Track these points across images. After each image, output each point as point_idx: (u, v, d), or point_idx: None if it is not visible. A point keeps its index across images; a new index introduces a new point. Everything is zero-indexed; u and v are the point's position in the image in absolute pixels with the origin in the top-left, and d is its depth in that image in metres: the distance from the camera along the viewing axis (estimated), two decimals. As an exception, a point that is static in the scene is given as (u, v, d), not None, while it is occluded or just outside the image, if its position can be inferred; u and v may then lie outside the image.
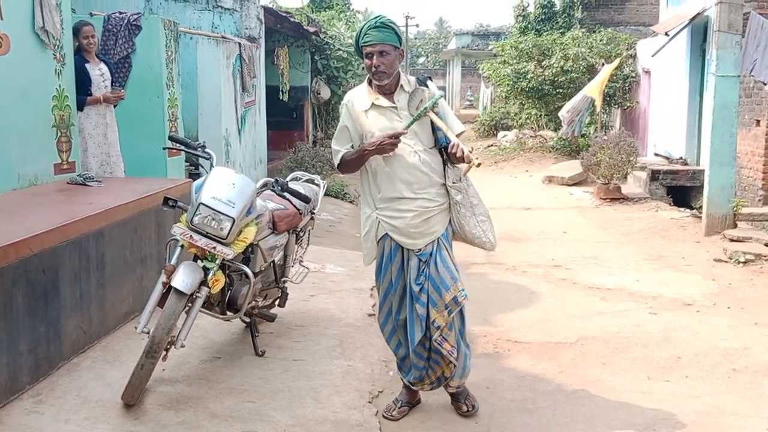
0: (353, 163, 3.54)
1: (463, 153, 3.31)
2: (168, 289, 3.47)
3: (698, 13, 10.88)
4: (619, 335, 4.98)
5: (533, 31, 19.85)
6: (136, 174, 6.54)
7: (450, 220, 3.56)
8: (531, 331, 5.10)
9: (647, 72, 14.80)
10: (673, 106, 12.84)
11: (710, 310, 5.59)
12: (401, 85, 3.51)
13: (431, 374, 3.61)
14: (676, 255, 7.54)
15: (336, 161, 3.61)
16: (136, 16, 6.87)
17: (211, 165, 3.76)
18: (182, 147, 3.87)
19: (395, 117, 3.47)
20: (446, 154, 3.48)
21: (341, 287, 5.91)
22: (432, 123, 3.45)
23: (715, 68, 7.88)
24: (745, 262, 7.06)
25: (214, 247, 3.53)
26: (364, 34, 3.42)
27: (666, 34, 11.53)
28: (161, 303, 3.53)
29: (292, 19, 12.59)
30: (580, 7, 20.13)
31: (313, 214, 4.80)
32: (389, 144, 3.36)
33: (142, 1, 10.20)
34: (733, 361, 4.48)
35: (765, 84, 8.10)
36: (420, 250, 3.49)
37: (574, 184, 13.16)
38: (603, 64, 15.06)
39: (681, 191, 11.42)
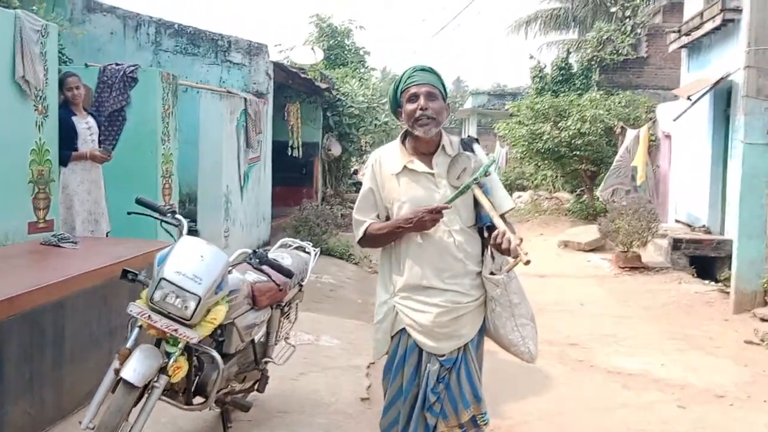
0: (381, 238, 2.90)
1: (509, 245, 2.61)
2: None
3: (722, 78, 10.52)
4: (643, 433, 4.42)
5: (550, 92, 19.63)
6: (126, 234, 6.11)
7: (484, 319, 2.91)
8: (543, 425, 4.53)
9: (668, 136, 14.40)
10: (695, 172, 12.38)
11: (745, 404, 5.01)
12: (443, 146, 2.87)
13: None
14: (702, 334, 6.96)
15: (358, 234, 2.96)
16: (132, 68, 6.59)
17: (180, 233, 3.33)
18: (149, 212, 3.44)
19: (432, 186, 2.83)
20: (488, 235, 2.80)
21: (335, 363, 5.40)
22: (474, 196, 2.79)
23: (743, 135, 7.43)
24: (779, 346, 6.47)
25: (176, 330, 3.05)
26: (408, 77, 2.83)
27: (688, 98, 11.15)
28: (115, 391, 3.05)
29: (303, 75, 12.39)
30: (598, 69, 19.95)
31: (302, 285, 4.33)
32: (430, 220, 2.74)
33: (150, 54, 10.10)
34: (775, 471, 3.90)
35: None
36: (444, 355, 2.84)
37: (591, 250, 12.63)
38: (621, 127, 14.71)
39: (705, 261, 10.82)
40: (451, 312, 2.82)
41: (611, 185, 13.56)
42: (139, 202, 3.49)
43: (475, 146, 2.96)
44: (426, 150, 2.88)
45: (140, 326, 3.14)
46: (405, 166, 2.86)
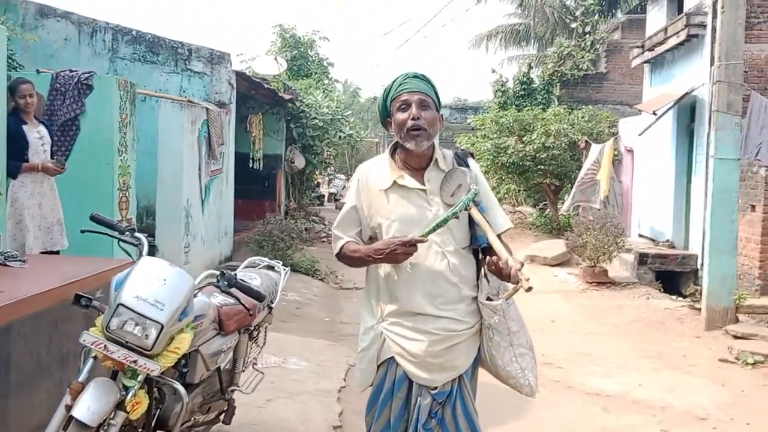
0: (356, 261, 2.68)
1: (509, 269, 2.39)
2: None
3: (686, 93, 10.57)
4: (628, 460, 4.24)
5: (513, 107, 19.68)
6: (80, 251, 5.73)
7: (479, 348, 2.67)
8: (525, 453, 4.32)
9: (630, 151, 14.48)
10: (658, 187, 12.43)
11: (728, 427, 4.88)
12: (435, 160, 2.65)
13: None
14: (676, 352, 6.86)
15: (335, 249, 2.76)
16: (87, 75, 6.24)
17: (140, 254, 3.03)
18: (104, 230, 3.14)
19: (423, 203, 2.61)
20: (482, 257, 2.63)
21: (304, 388, 5.11)
22: (470, 216, 2.57)
23: (714, 150, 7.39)
24: (753, 364, 6.39)
25: (135, 361, 2.75)
26: (400, 84, 2.63)
27: (654, 113, 11.18)
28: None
29: (266, 86, 12.08)
30: (559, 84, 20.12)
31: (271, 307, 4.05)
32: (402, 253, 2.50)
33: (106, 61, 9.70)
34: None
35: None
36: (436, 388, 2.60)
37: (557, 265, 12.55)
38: (586, 141, 14.74)
39: (670, 276, 10.83)
40: (445, 341, 2.57)
41: (577, 201, 13.55)
42: (94, 219, 3.17)
43: (470, 161, 2.73)
44: (417, 164, 2.65)
45: (94, 357, 2.84)
46: (395, 182, 2.62)
